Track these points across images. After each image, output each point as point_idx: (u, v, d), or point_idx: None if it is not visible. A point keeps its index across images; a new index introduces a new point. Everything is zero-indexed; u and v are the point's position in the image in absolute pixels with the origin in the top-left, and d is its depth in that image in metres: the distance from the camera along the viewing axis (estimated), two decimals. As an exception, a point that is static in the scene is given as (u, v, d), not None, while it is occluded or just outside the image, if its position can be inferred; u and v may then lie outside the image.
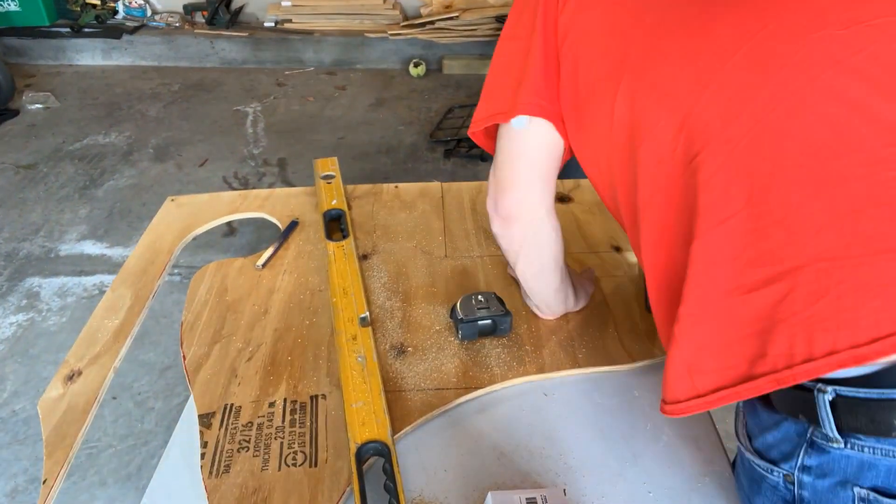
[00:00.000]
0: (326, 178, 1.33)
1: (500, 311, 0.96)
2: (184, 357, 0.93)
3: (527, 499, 0.71)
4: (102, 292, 2.35)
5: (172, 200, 1.30)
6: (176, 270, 2.47)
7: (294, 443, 0.81)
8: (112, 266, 2.50)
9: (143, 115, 3.73)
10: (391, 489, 0.73)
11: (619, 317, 1.01)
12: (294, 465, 0.79)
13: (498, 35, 3.85)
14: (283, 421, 0.84)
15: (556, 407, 0.88)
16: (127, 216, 2.81)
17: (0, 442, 1.81)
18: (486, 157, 3.25)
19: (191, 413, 0.87)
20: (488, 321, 0.94)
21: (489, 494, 0.72)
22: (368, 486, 0.74)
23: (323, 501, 0.75)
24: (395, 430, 0.83)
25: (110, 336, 0.97)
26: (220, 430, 0.83)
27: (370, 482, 0.76)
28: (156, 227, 1.22)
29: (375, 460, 0.79)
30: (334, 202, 1.24)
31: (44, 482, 0.77)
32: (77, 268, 2.49)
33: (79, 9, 4.30)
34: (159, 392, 1.95)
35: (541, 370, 0.92)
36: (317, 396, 0.88)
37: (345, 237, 1.16)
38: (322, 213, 1.22)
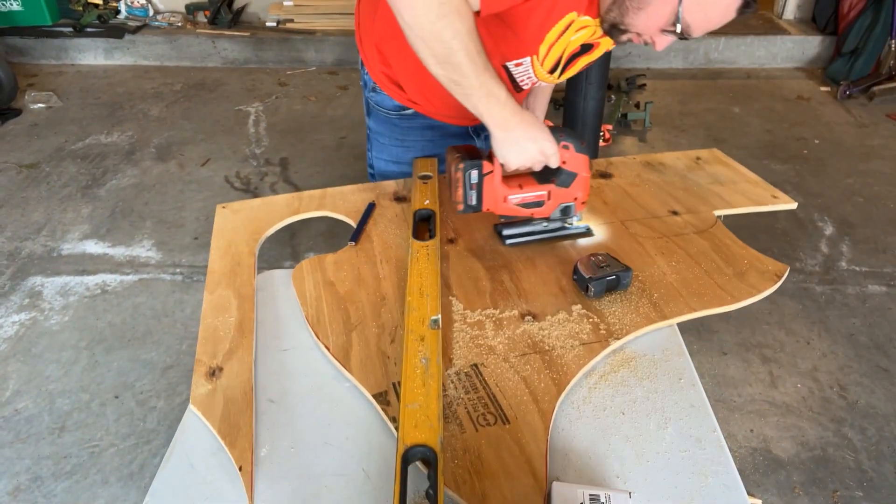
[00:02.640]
0: (423, 177, 1.33)
1: (622, 267, 1.04)
2: (327, 348, 0.96)
3: (590, 495, 0.72)
4: (105, 291, 2.36)
5: (224, 207, 1.31)
6: (178, 270, 2.48)
7: (478, 406, 0.86)
8: (114, 265, 2.50)
9: (145, 114, 3.74)
10: (431, 497, 0.72)
11: (709, 267, 1.12)
12: (488, 424, 0.83)
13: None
14: (457, 390, 0.89)
15: (557, 406, 0.88)
16: (129, 215, 2.81)
17: (2, 441, 1.81)
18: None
19: (193, 413, 0.87)
20: (613, 277, 1.03)
21: (553, 484, 0.73)
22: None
23: (531, 451, 0.80)
24: (560, 386, 0.88)
25: (234, 332, 1.00)
26: (400, 405, 0.85)
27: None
28: (221, 233, 1.24)
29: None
30: (427, 202, 1.25)
31: (240, 469, 0.79)
32: (79, 267, 2.50)
33: (81, 8, 4.30)
34: (161, 391, 1.96)
35: (663, 317, 1.01)
36: (477, 365, 0.93)
37: (431, 237, 1.16)
38: (413, 211, 1.23)
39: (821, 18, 4.35)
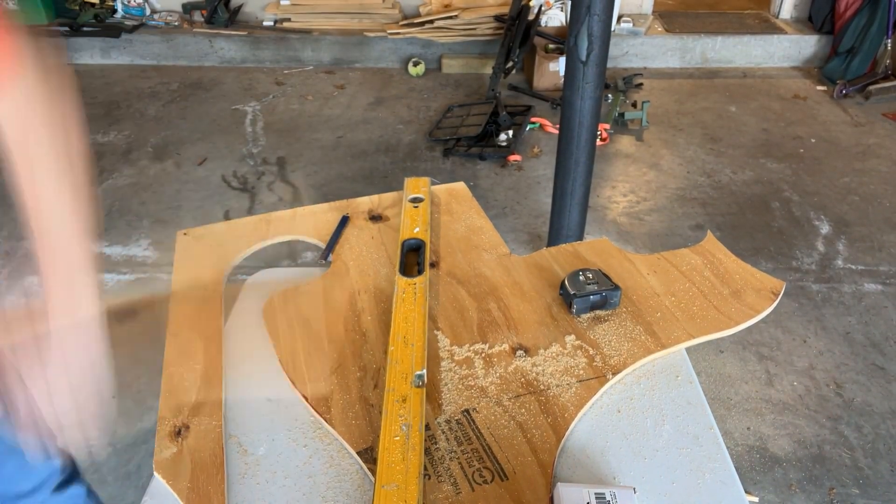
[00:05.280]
0: (414, 201, 1.20)
1: (610, 285, 1.00)
2: (305, 398, 0.87)
3: (595, 493, 0.71)
4: (101, 291, 2.35)
5: (185, 234, 1.19)
6: (175, 269, 2.48)
7: (473, 461, 0.78)
8: (111, 265, 2.50)
9: (141, 114, 3.73)
10: None
11: (704, 286, 1.05)
12: (485, 482, 0.76)
13: (497, 34, 3.93)
14: (448, 441, 0.81)
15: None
16: (126, 215, 2.81)
17: (-1, 441, 1.81)
18: (484, 157, 3.25)
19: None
20: (598, 296, 0.99)
21: (558, 485, 0.72)
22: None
23: None
24: (558, 433, 0.82)
25: (200, 382, 0.93)
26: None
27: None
28: (184, 265, 1.12)
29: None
30: (417, 230, 1.12)
31: None
32: (76, 267, 2.49)
33: (77, 7, 4.29)
34: (158, 390, 1.95)
35: (661, 346, 0.95)
36: (468, 411, 0.85)
37: (420, 273, 1.03)
38: (401, 242, 1.09)
39: (817, 18, 4.36)
